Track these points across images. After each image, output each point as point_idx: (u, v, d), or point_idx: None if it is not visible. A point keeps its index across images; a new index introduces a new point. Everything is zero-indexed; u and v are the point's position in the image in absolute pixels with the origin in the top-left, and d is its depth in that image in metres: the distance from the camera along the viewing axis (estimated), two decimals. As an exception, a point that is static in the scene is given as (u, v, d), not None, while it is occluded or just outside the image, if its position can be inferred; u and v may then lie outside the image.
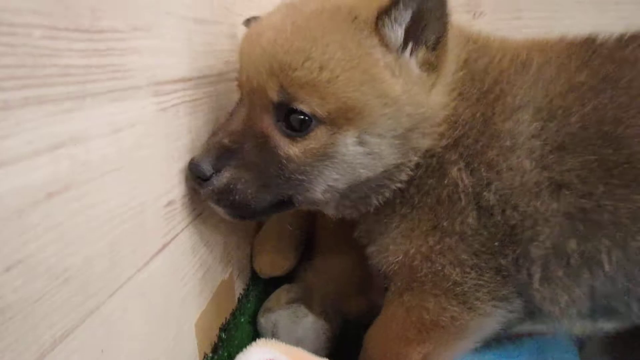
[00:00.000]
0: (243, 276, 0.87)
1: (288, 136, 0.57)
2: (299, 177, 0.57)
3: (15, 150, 0.33)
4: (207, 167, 0.56)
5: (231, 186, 0.57)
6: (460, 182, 0.58)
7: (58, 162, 0.37)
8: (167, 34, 0.55)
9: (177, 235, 0.58)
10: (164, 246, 0.54)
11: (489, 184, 0.57)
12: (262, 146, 0.57)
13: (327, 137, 0.56)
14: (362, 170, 0.58)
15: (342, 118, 0.55)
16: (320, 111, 0.55)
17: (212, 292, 0.71)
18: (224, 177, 0.57)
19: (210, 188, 0.57)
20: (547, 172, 0.56)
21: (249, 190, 0.57)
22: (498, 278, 0.59)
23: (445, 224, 0.59)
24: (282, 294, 0.82)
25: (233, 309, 0.80)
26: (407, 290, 0.62)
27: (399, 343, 0.63)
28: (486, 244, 0.58)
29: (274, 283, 0.87)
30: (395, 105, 0.56)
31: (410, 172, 0.60)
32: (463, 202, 0.58)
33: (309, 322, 0.77)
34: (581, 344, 0.80)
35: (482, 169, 0.57)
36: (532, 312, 0.62)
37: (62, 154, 0.37)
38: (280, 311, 0.78)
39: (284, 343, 0.65)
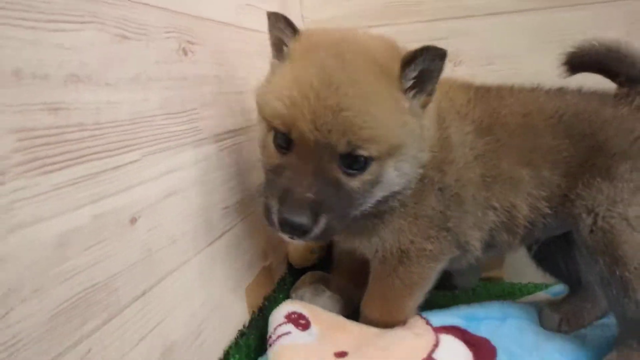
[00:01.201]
0: (281, 266, 1.21)
1: (349, 174, 0.72)
2: (360, 201, 0.75)
3: (147, 175, 0.69)
4: (307, 222, 0.67)
5: (327, 229, 0.70)
6: (435, 180, 0.86)
7: (169, 180, 0.73)
8: (224, 104, 0.92)
9: (231, 228, 0.93)
10: (223, 233, 0.89)
11: (447, 172, 0.86)
12: (335, 188, 0.70)
13: (377, 169, 0.73)
14: (395, 187, 0.78)
15: (387, 154, 0.72)
16: (375, 153, 0.71)
17: (256, 271, 1.05)
18: (322, 225, 0.69)
19: (312, 236, 0.69)
20: (473, 152, 0.87)
21: (337, 227, 0.72)
22: (447, 243, 0.90)
23: (422, 213, 0.87)
24: (307, 277, 1.14)
25: (273, 288, 1.13)
26: (400, 265, 0.90)
27: (396, 302, 0.93)
28: (441, 218, 0.87)
29: (304, 271, 1.20)
30: (418, 139, 0.76)
31: (414, 184, 0.82)
32: (434, 192, 0.86)
33: (326, 296, 1.08)
34: (539, 309, 1.05)
35: (445, 167, 0.86)
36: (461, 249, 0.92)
37: (173, 176, 0.73)
38: (305, 288, 1.09)
39: (304, 302, 0.97)
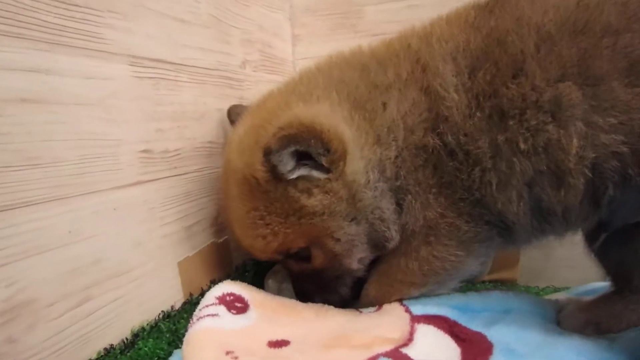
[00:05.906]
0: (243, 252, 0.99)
1: (306, 262, 0.74)
2: (342, 267, 0.75)
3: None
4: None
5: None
6: (437, 147, 0.67)
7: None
8: (153, 25, 0.75)
9: (155, 179, 0.74)
10: (139, 182, 0.71)
11: (444, 131, 0.66)
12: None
13: (318, 251, 0.73)
14: (359, 237, 0.72)
15: (310, 243, 0.72)
16: (297, 249, 0.72)
17: (200, 245, 0.85)
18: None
19: None
20: (468, 93, 0.65)
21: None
22: (483, 225, 0.69)
23: (443, 181, 0.68)
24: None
25: (229, 272, 0.93)
26: (424, 245, 0.71)
27: (401, 288, 0.76)
28: (466, 186, 0.67)
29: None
30: (329, 207, 0.68)
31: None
32: (444, 161, 0.67)
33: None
34: (559, 308, 0.79)
35: (440, 126, 0.67)
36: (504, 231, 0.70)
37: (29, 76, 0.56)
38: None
39: (247, 284, 0.76)
